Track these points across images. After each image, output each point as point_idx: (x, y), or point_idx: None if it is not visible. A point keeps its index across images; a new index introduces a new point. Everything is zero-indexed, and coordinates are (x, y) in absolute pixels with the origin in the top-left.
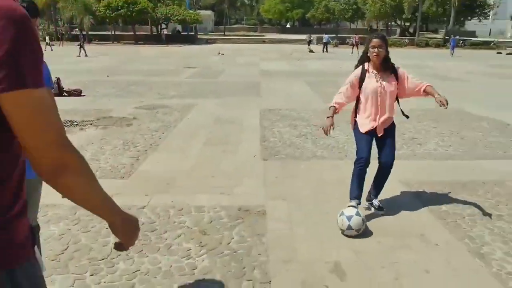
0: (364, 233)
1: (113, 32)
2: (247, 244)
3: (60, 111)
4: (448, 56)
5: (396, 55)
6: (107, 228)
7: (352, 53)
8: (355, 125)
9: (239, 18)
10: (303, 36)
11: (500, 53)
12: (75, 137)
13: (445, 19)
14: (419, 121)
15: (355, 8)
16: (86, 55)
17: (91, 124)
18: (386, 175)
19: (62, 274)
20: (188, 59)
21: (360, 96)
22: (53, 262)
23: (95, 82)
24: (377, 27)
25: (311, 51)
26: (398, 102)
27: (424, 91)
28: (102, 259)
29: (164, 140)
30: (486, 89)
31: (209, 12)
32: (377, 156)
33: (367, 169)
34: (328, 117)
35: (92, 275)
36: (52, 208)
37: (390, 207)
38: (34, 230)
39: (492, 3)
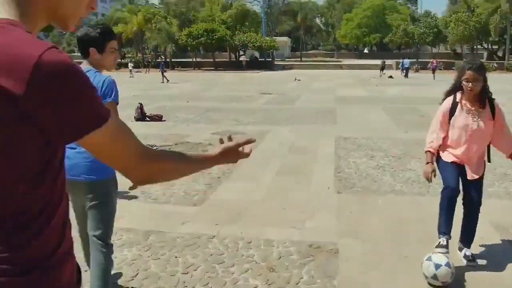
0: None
1: (194, 59)
2: (316, 286)
3: (142, 135)
4: None
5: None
6: (176, 257)
7: (434, 78)
8: (439, 157)
9: (315, 44)
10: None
11: None
12: None
13: None
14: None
15: (435, 32)
16: (167, 81)
17: (169, 148)
18: (473, 216)
19: None
20: (264, 85)
21: (449, 132)
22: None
23: (175, 108)
24: (462, 51)
25: (390, 76)
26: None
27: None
28: None
29: (237, 168)
30: None
31: (285, 38)
32: (462, 196)
33: (457, 199)
34: (427, 163)
35: None
36: (127, 232)
37: (482, 257)
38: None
39: None
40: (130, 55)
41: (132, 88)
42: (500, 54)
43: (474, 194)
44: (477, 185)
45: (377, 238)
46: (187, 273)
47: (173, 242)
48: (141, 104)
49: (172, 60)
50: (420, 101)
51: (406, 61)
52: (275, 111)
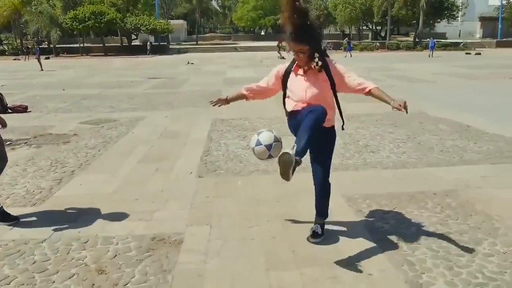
0: (284, 250)
1: (82, 45)
2: (148, 284)
3: None
4: (417, 58)
5: (366, 59)
6: None
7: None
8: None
9: (213, 27)
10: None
11: (469, 53)
12: None
13: (414, 22)
14: (376, 126)
15: (326, 13)
16: (41, 69)
17: (25, 143)
18: (323, 194)
19: None
20: (155, 70)
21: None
22: None
23: (47, 97)
24: (350, 32)
25: (282, 57)
26: (339, 106)
27: (369, 92)
28: None
29: (97, 158)
30: (451, 90)
31: (181, 21)
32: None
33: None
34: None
35: None
36: None
37: (326, 229)
38: None
39: (460, 4)
40: (6, 42)
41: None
42: (383, 34)
43: (319, 170)
44: (324, 160)
45: (227, 223)
46: None
47: None
48: (1, 94)
49: (58, 45)
50: None
51: None
52: (156, 96)
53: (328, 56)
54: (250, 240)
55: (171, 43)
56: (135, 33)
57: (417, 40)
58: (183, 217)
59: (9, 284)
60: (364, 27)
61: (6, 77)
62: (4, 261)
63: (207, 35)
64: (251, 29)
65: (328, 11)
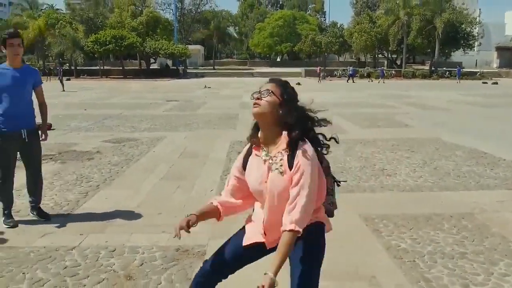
0: None
1: (102, 67)
2: None
3: None
4: (432, 86)
5: (381, 86)
6: (23, 273)
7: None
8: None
9: (229, 53)
10: (293, 69)
11: (486, 83)
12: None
13: (430, 50)
14: (393, 151)
15: (341, 41)
16: (63, 90)
17: (51, 158)
18: None
19: None
20: (173, 93)
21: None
22: None
23: (69, 116)
24: (365, 59)
25: (298, 83)
26: None
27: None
28: None
29: (121, 174)
30: (467, 118)
31: (198, 46)
32: None
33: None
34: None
35: None
36: None
37: (343, 246)
38: None
39: (476, 34)
40: (29, 63)
41: None
42: (398, 62)
43: None
44: (302, 274)
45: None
46: None
47: (25, 257)
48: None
49: (79, 68)
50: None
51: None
52: (175, 118)
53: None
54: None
55: (188, 68)
56: (154, 57)
57: (433, 68)
58: (204, 231)
59: (43, 286)
60: (380, 55)
61: None
62: (37, 265)
63: (224, 60)
64: (267, 55)
65: (344, 39)
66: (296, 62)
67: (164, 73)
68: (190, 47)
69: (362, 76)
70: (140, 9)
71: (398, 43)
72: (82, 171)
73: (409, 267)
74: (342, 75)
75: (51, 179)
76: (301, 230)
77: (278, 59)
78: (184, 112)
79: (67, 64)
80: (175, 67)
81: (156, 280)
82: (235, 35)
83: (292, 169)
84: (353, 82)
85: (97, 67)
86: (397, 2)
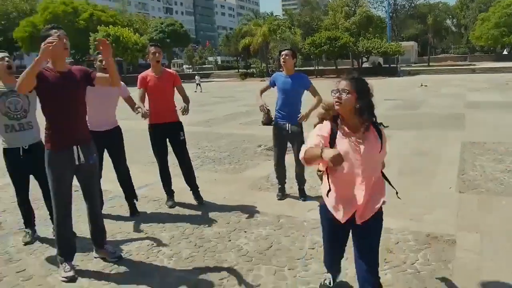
0: None
1: (316, 67)
2: (431, 267)
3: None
4: None
5: None
6: (303, 236)
7: None
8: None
9: (445, 48)
10: None
11: None
12: None
13: None
14: None
15: None
16: None
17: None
18: None
19: (266, 265)
20: (387, 92)
21: None
22: (260, 255)
23: None
24: None
25: None
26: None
27: None
28: (298, 259)
29: None
30: None
31: (411, 43)
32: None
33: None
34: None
35: (290, 269)
36: (261, 215)
37: None
38: None
39: None
40: (254, 66)
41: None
42: None
43: (366, 270)
44: (371, 254)
45: (496, 234)
46: (314, 248)
47: (301, 225)
48: (268, 109)
49: (296, 69)
50: None
51: None
52: (397, 117)
53: None
54: None
55: (401, 65)
56: (366, 56)
57: None
58: (450, 223)
59: (321, 247)
60: None
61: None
62: (312, 232)
63: (440, 56)
64: (491, 48)
65: None
66: None
67: (377, 71)
68: (403, 43)
69: None
70: (353, 9)
71: None
72: None
73: None
74: None
75: None
76: None
77: (505, 52)
78: (404, 111)
79: None
80: (387, 65)
81: (413, 257)
82: (453, 28)
83: (382, 147)
84: None
85: (312, 68)
86: None
